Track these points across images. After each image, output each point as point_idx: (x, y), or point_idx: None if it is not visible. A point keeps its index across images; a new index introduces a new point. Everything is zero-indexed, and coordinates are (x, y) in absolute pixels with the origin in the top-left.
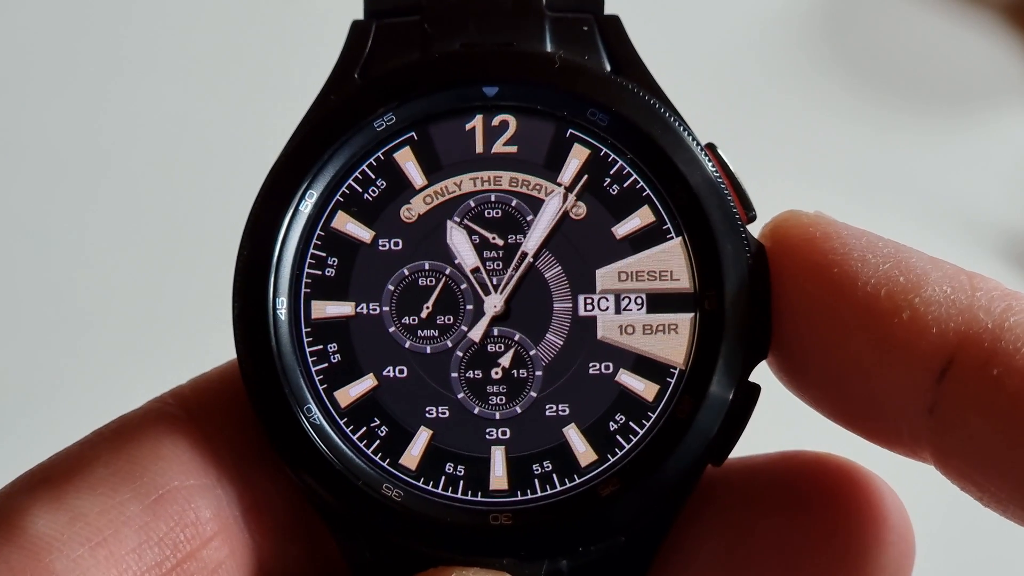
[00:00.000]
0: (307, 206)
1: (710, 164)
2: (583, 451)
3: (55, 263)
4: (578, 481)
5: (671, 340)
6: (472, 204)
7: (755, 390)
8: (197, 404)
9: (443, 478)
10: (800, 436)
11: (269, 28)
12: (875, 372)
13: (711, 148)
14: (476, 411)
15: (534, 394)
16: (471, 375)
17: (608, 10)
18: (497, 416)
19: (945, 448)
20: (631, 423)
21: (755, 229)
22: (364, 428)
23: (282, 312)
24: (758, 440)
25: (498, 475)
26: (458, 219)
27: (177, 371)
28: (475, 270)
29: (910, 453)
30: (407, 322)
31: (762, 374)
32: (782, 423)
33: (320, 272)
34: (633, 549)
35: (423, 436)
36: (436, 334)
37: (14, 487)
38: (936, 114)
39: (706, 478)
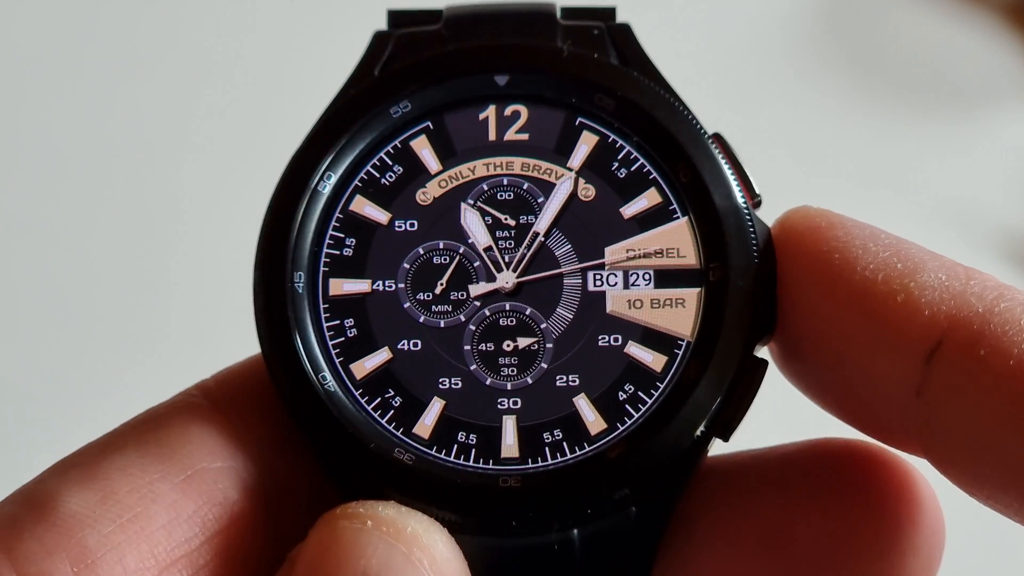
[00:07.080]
0: (326, 187)
1: (713, 146)
2: (592, 420)
3: (75, 264)
4: (588, 449)
5: (679, 313)
6: (485, 187)
7: (762, 365)
8: (222, 395)
9: (455, 447)
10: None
11: (292, 34)
12: (867, 354)
13: (718, 137)
14: (488, 382)
15: (545, 365)
16: (483, 348)
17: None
18: (508, 387)
19: (932, 434)
20: (640, 392)
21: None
22: (379, 399)
23: (299, 285)
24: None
25: (509, 443)
26: (472, 201)
27: (201, 372)
28: (488, 249)
29: (902, 445)
30: (422, 298)
31: (771, 379)
32: (790, 430)
33: (338, 252)
34: (641, 522)
35: (436, 406)
36: (450, 309)
37: (45, 474)
38: (936, 114)
39: (732, 465)
